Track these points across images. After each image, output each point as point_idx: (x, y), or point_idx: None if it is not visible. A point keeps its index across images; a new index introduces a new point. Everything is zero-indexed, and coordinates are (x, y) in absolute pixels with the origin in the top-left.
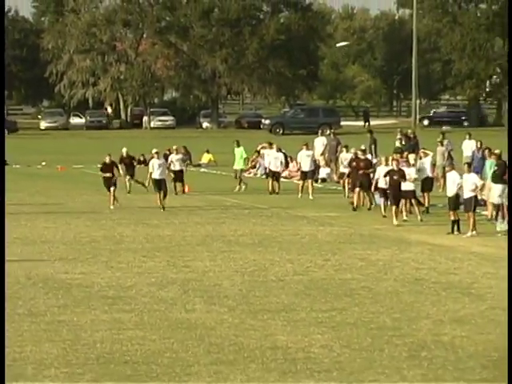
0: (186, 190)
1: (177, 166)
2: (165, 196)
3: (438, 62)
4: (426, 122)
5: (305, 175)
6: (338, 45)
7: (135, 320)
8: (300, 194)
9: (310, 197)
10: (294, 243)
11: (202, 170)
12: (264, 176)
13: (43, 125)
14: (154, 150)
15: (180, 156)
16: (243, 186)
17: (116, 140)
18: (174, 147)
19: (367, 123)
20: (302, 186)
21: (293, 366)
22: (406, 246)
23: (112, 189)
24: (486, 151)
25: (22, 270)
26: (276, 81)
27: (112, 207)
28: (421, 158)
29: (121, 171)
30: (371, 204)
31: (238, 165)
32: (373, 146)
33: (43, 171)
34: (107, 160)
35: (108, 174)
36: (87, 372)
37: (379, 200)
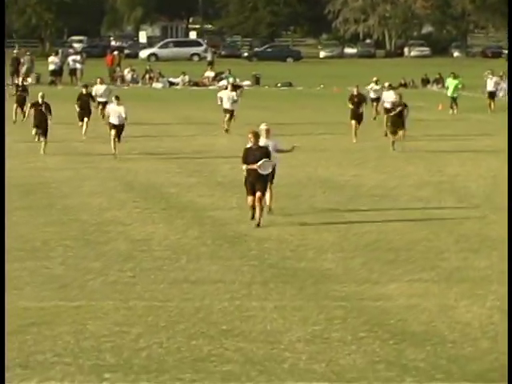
0: (440, 107)
1: (102, 98)
2: None
3: None
4: None
5: None
6: None
7: (397, 214)
8: None
9: None
10: None
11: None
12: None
13: (322, 54)
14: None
15: (104, 86)
16: (454, 110)
17: (382, 66)
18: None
19: None
20: None
21: None
22: None
23: None
24: None
25: (303, 173)
26: None
27: None
28: None
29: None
30: None
31: (452, 93)
32: None
33: (321, 92)
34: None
35: None
36: (358, 256)
37: None
